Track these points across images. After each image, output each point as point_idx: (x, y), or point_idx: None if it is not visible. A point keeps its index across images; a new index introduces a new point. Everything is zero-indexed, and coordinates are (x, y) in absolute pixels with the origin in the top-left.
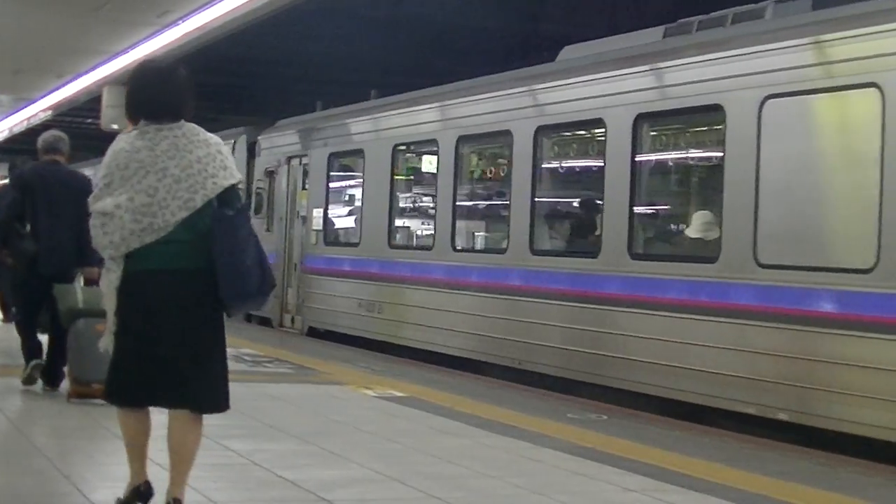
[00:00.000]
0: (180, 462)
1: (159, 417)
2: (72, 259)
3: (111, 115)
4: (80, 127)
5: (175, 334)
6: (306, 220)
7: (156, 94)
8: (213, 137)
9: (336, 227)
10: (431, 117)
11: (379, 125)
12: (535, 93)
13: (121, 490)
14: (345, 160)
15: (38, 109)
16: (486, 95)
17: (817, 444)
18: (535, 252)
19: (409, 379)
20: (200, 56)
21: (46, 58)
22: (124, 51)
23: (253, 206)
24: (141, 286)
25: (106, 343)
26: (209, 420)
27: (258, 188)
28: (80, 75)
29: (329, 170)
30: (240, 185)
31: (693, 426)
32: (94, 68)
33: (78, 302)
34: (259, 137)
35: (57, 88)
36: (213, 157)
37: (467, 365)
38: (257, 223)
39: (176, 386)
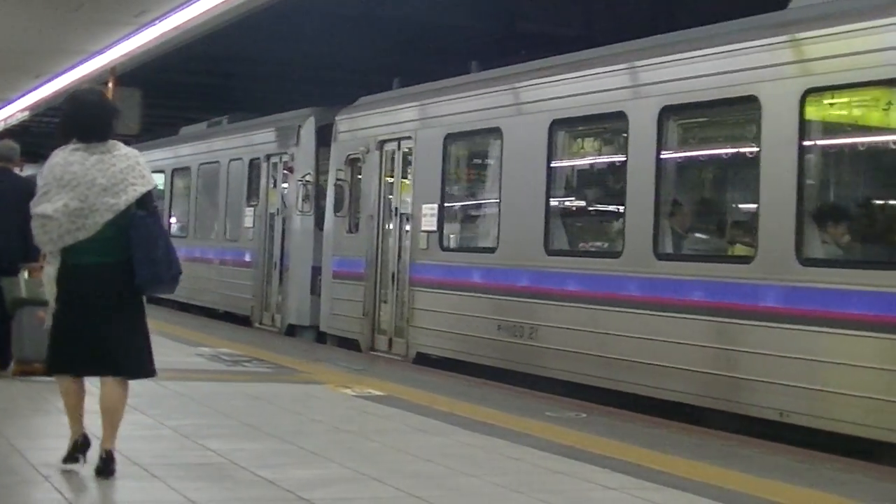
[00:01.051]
0: (111, 420)
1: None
2: (18, 255)
3: None
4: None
5: (104, 315)
6: (411, 218)
7: (86, 119)
8: (133, 151)
9: (459, 227)
10: (618, 83)
11: (526, 96)
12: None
13: (57, 452)
14: (470, 142)
15: (15, 110)
16: (717, 49)
17: (797, 441)
18: (803, 262)
19: (387, 378)
20: (178, 55)
21: (24, 58)
22: (102, 50)
23: (331, 202)
24: (75, 276)
25: (48, 323)
26: (187, 420)
27: (338, 181)
28: (57, 75)
29: (446, 155)
30: (156, 189)
31: (672, 423)
32: (71, 68)
33: (22, 292)
34: (336, 119)
35: (34, 89)
36: (133, 168)
37: (687, 414)
38: (337, 223)
39: (106, 357)
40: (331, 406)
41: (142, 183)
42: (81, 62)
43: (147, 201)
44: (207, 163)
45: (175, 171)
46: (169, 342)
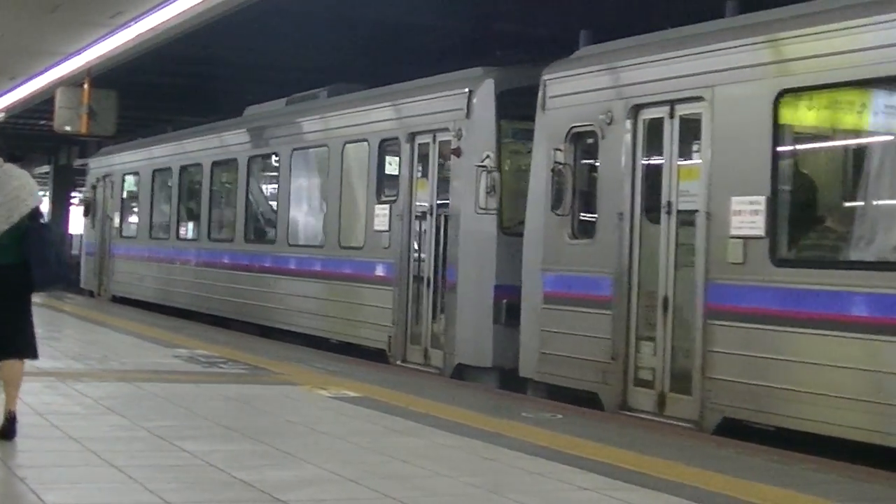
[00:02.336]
0: (12, 388)
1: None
2: None
3: (64, 116)
4: (34, 129)
5: (6, 309)
6: (704, 217)
7: None
8: (24, 172)
9: (810, 229)
10: None
11: None
12: None
13: None
14: (831, 101)
15: None
16: None
17: (773, 441)
18: None
19: (363, 379)
20: (154, 57)
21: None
22: (77, 52)
23: (541, 195)
24: None
25: None
26: (163, 421)
27: (557, 165)
28: (33, 77)
29: (776, 121)
30: (41, 203)
31: (647, 424)
32: (47, 70)
33: None
34: (545, 78)
35: (10, 90)
36: (24, 186)
37: None
38: (552, 224)
39: (9, 343)
40: (307, 407)
41: (32, 200)
42: (57, 64)
43: (36, 214)
44: (304, 147)
45: (252, 160)
46: (145, 343)
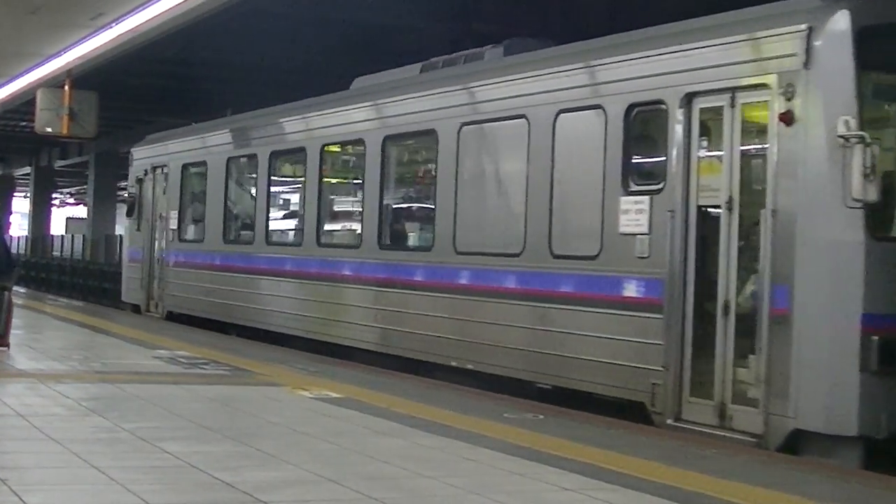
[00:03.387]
0: None
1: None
2: None
3: (45, 117)
4: (15, 130)
5: None
6: None
7: None
8: None
9: None
10: None
11: None
12: None
13: None
14: None
15: None
16: None
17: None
18: None
19: (344, 380)
20: (134, 58)
21: None
22: (58, 53)
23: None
24: None
25: None
26: (144, 423)
27: None
28: (13, 78)
29: None
30: None
31: (629, 424)
32: (27, 71)
33: None
34: None
35: None
36: None
37: None
38: None
39: None
40: (288, 408)
41: None
42: (38, 65)
43: None
44: (482, 121)
45: (390, 142)
46: (126, 344)
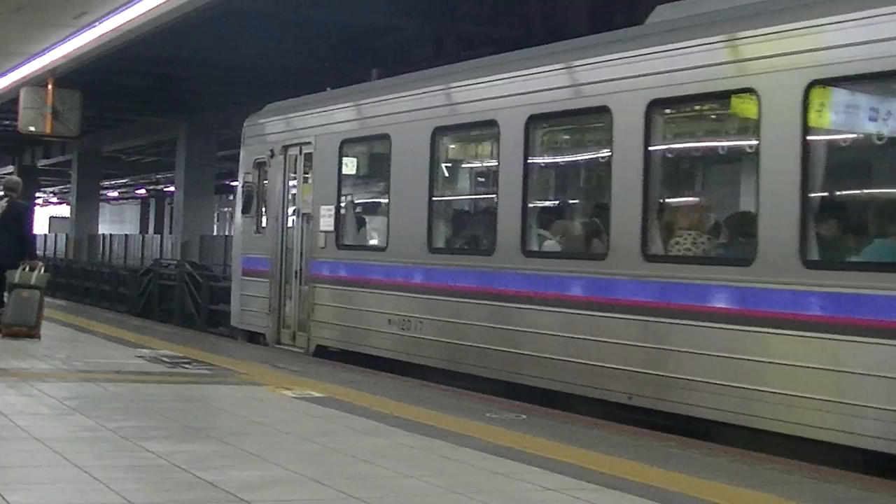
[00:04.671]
0: None
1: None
2: (17, 257)
3: (28, 116)
4: None
5: None
6: None
7: None
8: None
9: None
10: None
11: None
12: None
13: None
14: None
15: None
16: None
17: (739, 442)
18: None
19: (327, 379)
20: (118, 57)
21: None
22: (41, 52)
23: None
24: None
25: None
26: (127, 422)
27: None
28: None
29: None
30: None
31: (611, 424)
32: (10, 70)
33: (15, 279)
34: None
35: None
36: None
37: None
38: None
39: None
40: (271, 408)
41: None
42: (21, 64)
43: None
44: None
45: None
46: (109, 344)
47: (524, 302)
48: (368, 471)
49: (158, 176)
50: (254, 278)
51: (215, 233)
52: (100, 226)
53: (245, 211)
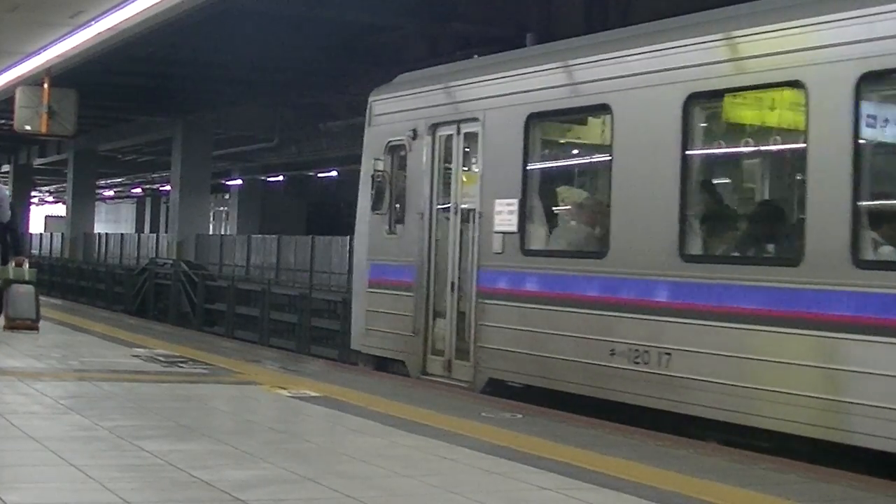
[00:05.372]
0: None
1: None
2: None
3: (24, 115)
4: None
5: None
6: None
7: None
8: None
9: None
10: None
11: None
12: None
13: None
14: None
15: None
16: None
17: (733, 441)
18: None
19: (323, 379)
20: (114, 56)
21: None
22: (37, 51)
23: None
24: None
25: None
26: (123, 421)
27: None
28: None
29: None
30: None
31: (606, 424)
32: (6, 69)
33: (9, 275)
34: None
35: None
36: None
37: None
38: None
39: None
40: (266, 407)
41: None
42: (16, 63)
43: None
44: None
45: None
46: (105, 343)
47: (859, 332)
48: (364, 470)
49: (154, 175)
50: (387, 290)
51: (211, 232)
52: (95, 225)
53: (375, 207)
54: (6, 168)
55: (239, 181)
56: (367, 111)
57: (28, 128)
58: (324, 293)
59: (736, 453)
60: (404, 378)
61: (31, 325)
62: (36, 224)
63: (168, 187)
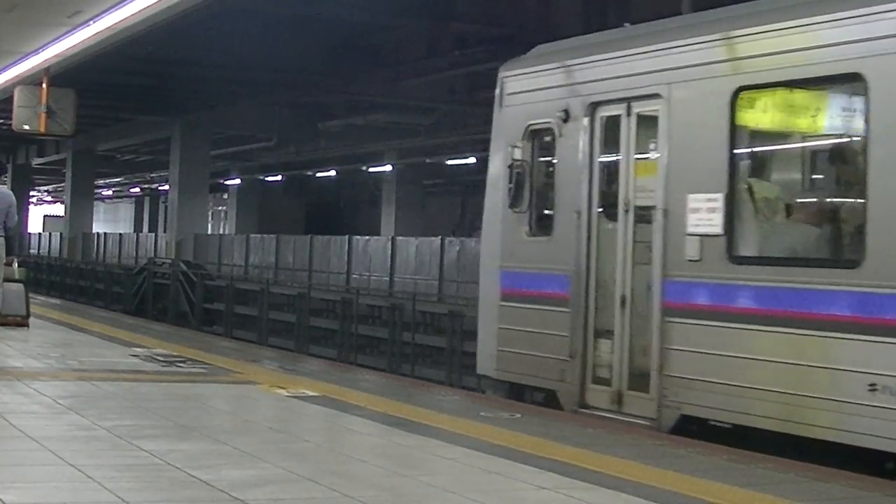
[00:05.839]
0: None
1: None
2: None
3: (23, 115)
4: None
5: None
6: None
7: None
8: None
9: None
10: None
11: None
12: None
13: None
14: None
15: None
16: None
17: (731, 441)
18: None
19: (321, 378)
20: (112, 56)
21: None
22: (35, 51)
23: None
24: None
25: None
26: (121, 421)
27: None
28: None
29: None
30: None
31: (605, 424)
32: (5, 69)
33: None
34: None
35: None
36: None
37: None
38: None
39: None
40: (265, 406)
41: None
42: (15, 63)
43: None
44: None
45: None
46: (104, 343)
47: None
48: (362, 469)
49: (153, 175)
50: (528, 304)
51: (209, 232)
52: (94, 224)
53: (514, 204)
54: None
55: (237, 181)
56: (498, 90)
57: (27, 127)
58: (322, 293)
59: (735, 453)
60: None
61: (22, 322)
62: (34, 223)
63: (167, 187)
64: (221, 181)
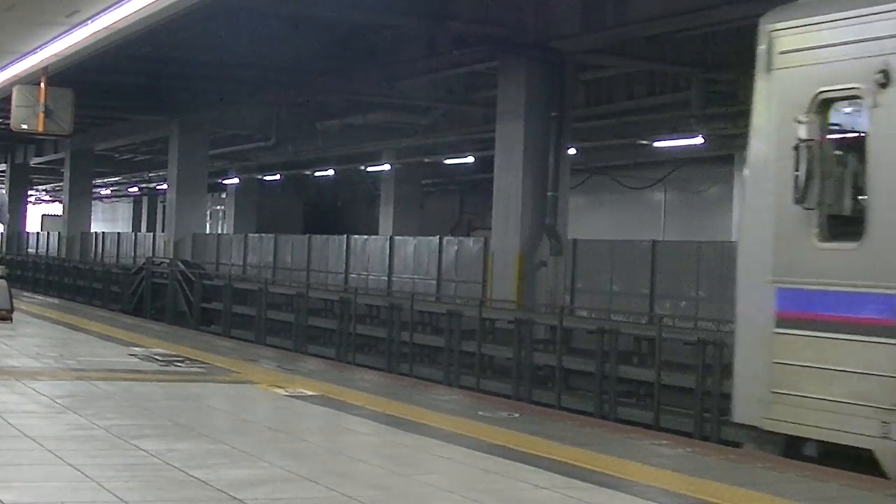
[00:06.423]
0: None
1: None
2: None
3: (21, 115)
4: None
5: None
6: None
7: None
8: None
9: None
10: None
11: None
12: None
13: None
14: None
15: None
16: None
17: (729, 441)
18: None
19: (319, 378)
20: (110, 55)
21: None
22: (34, 51)
23: None
24: None
25: None
26: (120, 420)
27: None
28: None
29: None
30: None
31: (603, 423)
32: (3, 69)
33: None
34: None
35: None
36: None
37: None
38: None
39: None
40: (263, 406)
41: None
42: (13, 62)
43: None
44: None
45: None
46: (102, 342)
47: None
48: (360, 469)
49: (151, 174)
50: (825, 334)
51: (207, 231)
52: (92, 224)
53: (803, 198)
54: (2, 167)
55: (235, 180)
56: (763, 45)
57: (25, 127)
58: (321, 292)
59: (735, 453)
60: (396, 377)
61: (5, 316)
62: (33, 223)
63: (165, 186)
64: (219, 181)
